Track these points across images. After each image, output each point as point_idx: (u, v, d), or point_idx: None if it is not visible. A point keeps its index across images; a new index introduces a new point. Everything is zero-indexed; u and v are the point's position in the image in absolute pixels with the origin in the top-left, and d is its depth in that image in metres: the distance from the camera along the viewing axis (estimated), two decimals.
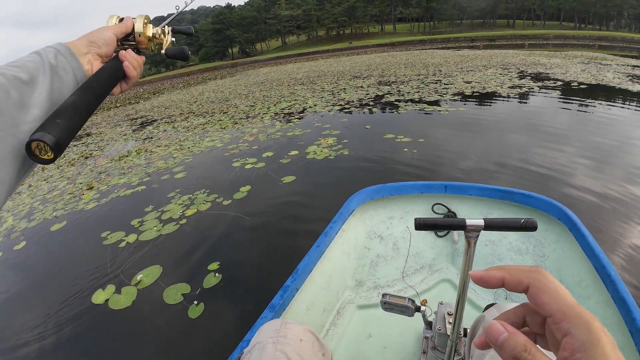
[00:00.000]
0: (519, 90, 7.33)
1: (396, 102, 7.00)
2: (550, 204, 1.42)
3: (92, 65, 0.58)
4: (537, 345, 0.28)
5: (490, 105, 6.29)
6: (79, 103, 0.50)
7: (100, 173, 5.43)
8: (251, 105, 8.96)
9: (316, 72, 16.90)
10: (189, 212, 3.28)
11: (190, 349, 1.86)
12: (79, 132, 0.63)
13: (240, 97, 11.03)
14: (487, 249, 1.62)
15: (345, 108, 7.06)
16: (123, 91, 0.66)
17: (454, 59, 16.26)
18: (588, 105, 5.83)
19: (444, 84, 8.82)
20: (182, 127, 7.80)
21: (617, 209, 2.62)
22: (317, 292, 1.39)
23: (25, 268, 3.11)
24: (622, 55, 15.56)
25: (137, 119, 11.24)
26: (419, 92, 7.96)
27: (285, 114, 7.23)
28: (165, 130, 7.77)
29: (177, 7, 0.83)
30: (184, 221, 3.14)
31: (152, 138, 7.24)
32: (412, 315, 1.05)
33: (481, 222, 0.67)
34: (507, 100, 6.58)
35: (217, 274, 2.34)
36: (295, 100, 8.77)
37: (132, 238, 3.11)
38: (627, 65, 10.95)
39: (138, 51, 0.67)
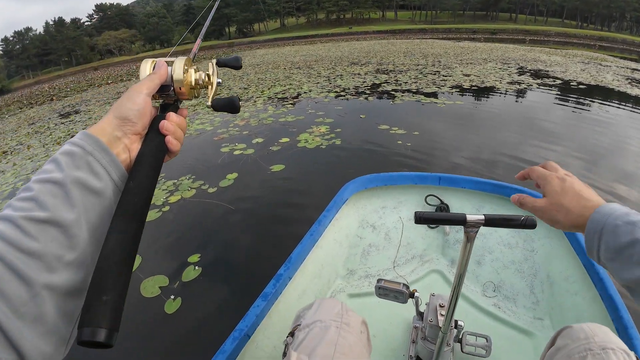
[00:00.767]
0: (517, 86, 7.22)
1: (393, 92, 6.85)
2: None
3: (129, 153, 0.45)
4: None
5: (487, 100, 6.19)
6: (127, 240, 0.38)
7: None
8: (245, 88, 8.73)
9: (314, 56, 16.54)
10: (173, 199, 3.16)
11: (163, 345, 1.78)
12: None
13: (234, 79, 10.75)
14: (477, 242, 1.61)
15: (341, 95, 6.90)
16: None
17: (454, 50, 16.03)
18: (585, 105, 5.77)
19: (443, 75, 8.66)
20: None
21: None
22: (309, 281, 1.39)
23: None
24: (622, 57, 15.48)
25: None
26: (416, 82, 7.80)
27: (279, 98, 7.04)
28: None
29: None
30: (166, 208, 3.02)
31: None
32: (405, 301, 1.05)
33: (481, 218, 0.67)
34: (505, 96, 6.49)
35: (196, 267, 2.25)
36: (291, 84, 8.56)
37: None
38: (627, 68, 10.87)
39: (177, 106, 0.54)
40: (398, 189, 1.77)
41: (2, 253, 0.31)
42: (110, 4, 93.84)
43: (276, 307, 1.18)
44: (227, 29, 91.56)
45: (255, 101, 6.97)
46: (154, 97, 0.50)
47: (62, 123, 8.42)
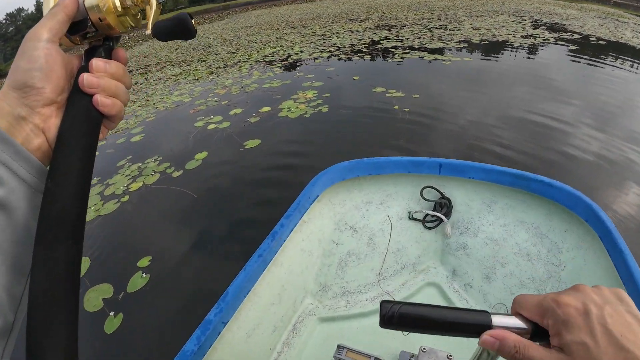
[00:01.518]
0: (532, 40, 6.45)
1: (393, 49, 6.16)
2: (575, 198, 1.10)
3: (44, 134, 0.33)
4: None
5: (499, 56, 5.51)
6: (61, 271, 0.29)
7: None
8: (232, 52, 8.05)
9: (311, 14, 15.46)
10: (134, 186, 2.75)
11: None
12: None
13: (224, 43, 10.00)
14: (487, 249, 1.29)
15: (335, 55, 6.23)
16: (109, 131, 0.40)
17: (462, 2, 14.82)
18: (607, 64, 5.08)
19: (450, 29, 7.85)
20: (154, 79, 7.02)
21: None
22: (264, 311, 1.10)
23: None
24: (637, 15, 14.17)
25: None
26: (420, 38, 7.05)
27: (266, 62, 6.41)
28: (136, 83, 6.98)
29: None
30: (126, 198, 2.62)
31: None
32: None
33: (523, 326, 0.38)
34: (519, 52, 5.77)
35: (144, 274, 1.88)
36: (282, 46, 7.84)
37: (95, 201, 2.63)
38: None
39: (110, 47, 0.39)
40: (386, 179, 1.40)
41: None
42: None
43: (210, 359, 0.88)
44: None
45: (241, 66, 6.35)
46: (70, 42, 0.37)
47: None
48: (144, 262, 1.97)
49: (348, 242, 1.38)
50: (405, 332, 1.04)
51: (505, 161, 2.47)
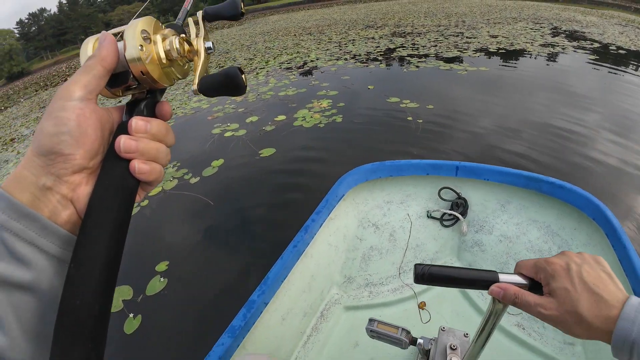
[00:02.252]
0: (551, 49, 6.35)
1: (408, 58, 6.17)
2: (585, 199, 1.19)
3: (73, 204, 0.29)
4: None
5: (517, 65, 5.45)
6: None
7: None
8: (250, 59, 8.20)
9: (327, 20, 15.57)
10: (154, 192, 2.86)
11: None
12: None
13: (242, 49, 10.18)
14: (501, 246, 1.38)
15: (350, 63, 6.29)
16: (146, 194, 0.37)
17: (480, 8, 14.67)
18: (628, 72, 4.97)
19: (466, 37, 7.80)
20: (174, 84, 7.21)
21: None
22: (296, 297, 1.22)
23: None
24: None
25: None
26: (436, 46, 7.04)
27: (283, 68, 6.51)
28: None
29: None
30: (145, 202, 2.73)
31: None
32: (405, 348, 0.92)
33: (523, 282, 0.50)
34: (537, 60, 5.70)
35: (162, 278, 1.97)
36: (298, 52, 7.95)
37: None
38: None
39: (153, 100, 0.35)
40: (406, 180, 1.51)
41: None
42: None
43: (251, 338, 1.01)
44: None
45: (258, 73, 6.47)
46: (111, 94, 0.33)
47: None
48: (162, 266, 2.06)
49: (371, 238, 1.49)
50: (426, 319, 1.08)
51: (521, 167, 2.47)
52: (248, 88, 5.44)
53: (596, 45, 6.78)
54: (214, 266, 2.05)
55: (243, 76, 0.34)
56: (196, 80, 0.36)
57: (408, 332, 0.92)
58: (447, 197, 1.47)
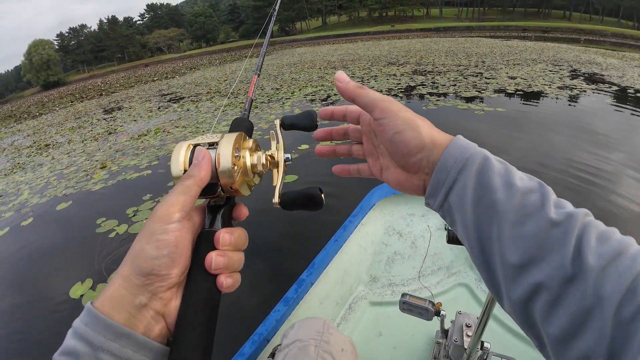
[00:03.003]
0: (569, 92, 6.49)
1: (428, 96, 6.45)
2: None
3: (164, 319, 0.31)
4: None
5: (534, 108, 5.61)
6: None
7: (116, 151, 5.45)
8: (277, 88, 8.70)
9: (352, 55, 16.27)
10: None
11: None
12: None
13: (269, 79, 10.79)
14: None
15: None
16: None
17: (500, 49, 15.03)
18: None
19: (485, 77, 8.07)
20: (204, 107, 7.71)
21: None
22: (332, 286, 1.40)
23: (28, 246, 3.12)
24: None
25: (167, 94, 11.37)
26: (455, 85, 7.32)
27: (308, 100, 6.90)
28: (187, 110, 7.72)
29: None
30: None
31: (172, 119, 7.21)
32: (430, 319, 1.03)
33: None
34: (554, 103, 5.85)
35: None
36: (322, 85, 8.39)
37: (122, 229, 3.01)
38: None
39: (231, 204, 0.37)
40: None
41: None
42: (161, 3, 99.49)
43: (296, 312, 1.18)
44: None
45: (284, 103, 6.88)
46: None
47: (104, 119, 8.91)
48: None
49: (395, 244, 1.69)
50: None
51: None
52: (274, 116, 5.82)
53: (614, 88, 6.89)
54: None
55: (322, 195, 0.37)
56: (277, 194, 0.37)
57: (434, 304, 1.03)
58: None
